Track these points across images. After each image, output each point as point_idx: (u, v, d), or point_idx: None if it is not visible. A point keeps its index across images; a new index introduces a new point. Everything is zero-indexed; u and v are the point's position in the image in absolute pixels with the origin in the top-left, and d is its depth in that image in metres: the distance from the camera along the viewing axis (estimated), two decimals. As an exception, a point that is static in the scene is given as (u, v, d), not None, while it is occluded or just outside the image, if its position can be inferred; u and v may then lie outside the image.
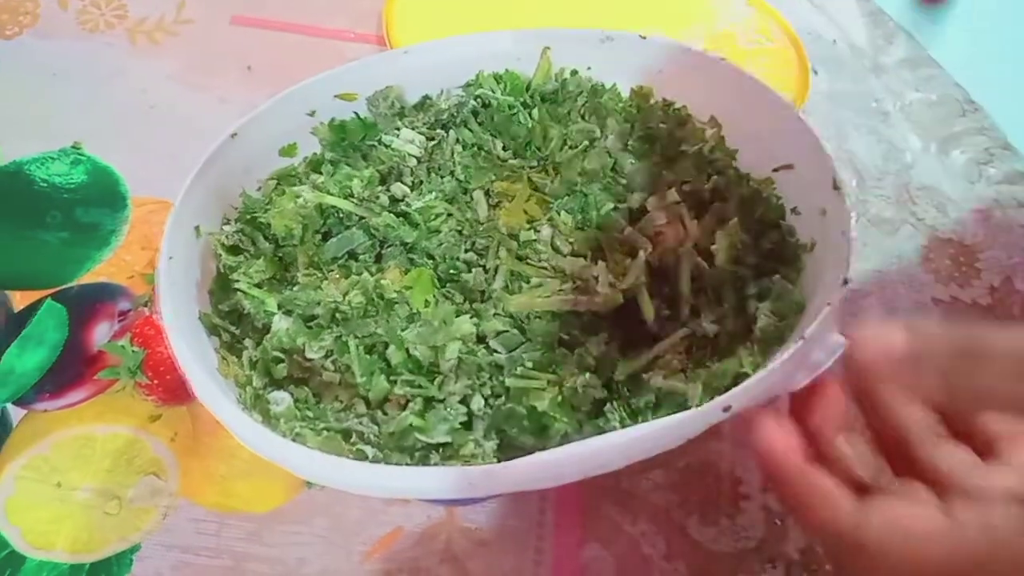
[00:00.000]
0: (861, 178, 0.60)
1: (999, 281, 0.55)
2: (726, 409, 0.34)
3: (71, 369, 0.50)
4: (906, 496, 0.31)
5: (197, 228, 0.45)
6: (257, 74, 0.65)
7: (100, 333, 0.51)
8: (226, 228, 0.46)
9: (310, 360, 0.41)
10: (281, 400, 0.40)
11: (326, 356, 0.41)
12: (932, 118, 0.64)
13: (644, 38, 0.51)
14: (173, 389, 0.48)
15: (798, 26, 0.69)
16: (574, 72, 0.52)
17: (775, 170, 0.47)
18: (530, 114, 0.50)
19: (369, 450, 0.38)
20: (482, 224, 0.46)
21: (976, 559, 0.29)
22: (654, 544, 0.44)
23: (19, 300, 0.52)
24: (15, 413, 0.48)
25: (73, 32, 0.67)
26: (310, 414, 0.39)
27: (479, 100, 0.50)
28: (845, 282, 0.38)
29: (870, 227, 0.57)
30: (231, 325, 0.43)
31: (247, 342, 0.42)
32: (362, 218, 0.45)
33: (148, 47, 0.66)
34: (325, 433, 0.38)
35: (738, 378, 0.37)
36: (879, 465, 0.36)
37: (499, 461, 0.36)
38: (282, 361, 0.41)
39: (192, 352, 0.38)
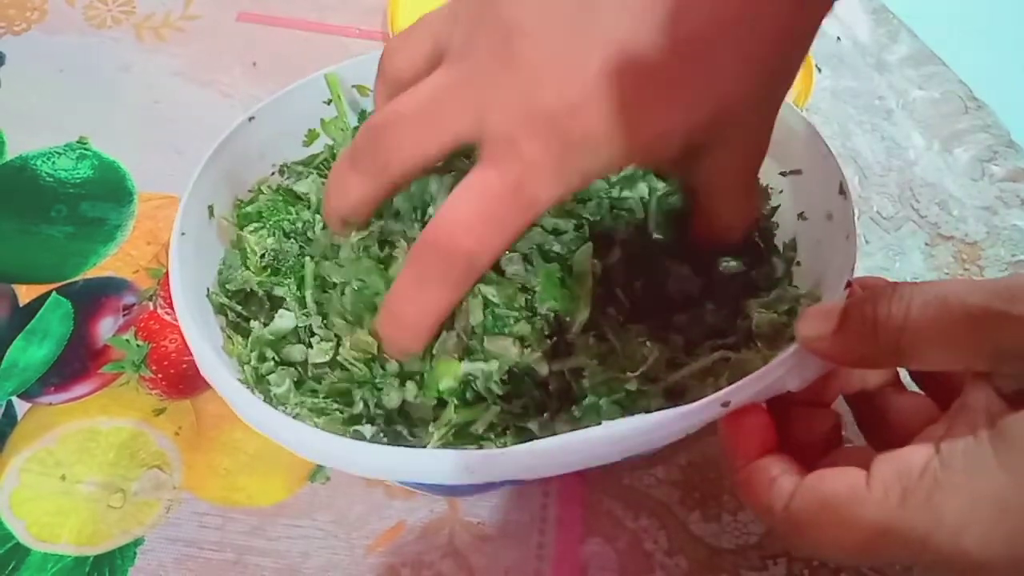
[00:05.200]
0: (864, 175, 0.60)
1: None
2: (725, 404, 0.34)
3: (76, 363, 0.50)
4: (835, 465, 0.32)
5: (210, 208, 0.45)
6: (262, 70, 0.65)
7: (105, 327, 0.51)
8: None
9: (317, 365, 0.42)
10: (282, 381, 0.40)
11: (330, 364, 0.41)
12: (935, 115, 0.64)
13: None
14: (177, 383, 0.48)
15: (802, 24, 0.69)
16: None
17: (783, 174, 0.47)
18: None
19: (367, 431, 0.38)
20: None
21: (890, 521, 0.28)
22: (656, 539, 0.45)
23: (24, 294, 0.52)
24: (20, 406, 0.48)
25: (80, 28, 0.67)
26: (309, 395, 0.40)
27: None
28: (848, 285, 0.38)
29: (872, 224, 0.57)
30: (237, 305, 0.43)
31: (253, 323, 0.43)
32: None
33: (154, 43, 0.67)
34: (325, 415, 0.38)
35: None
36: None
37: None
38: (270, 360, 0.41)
39: (198, 328, 0.39)
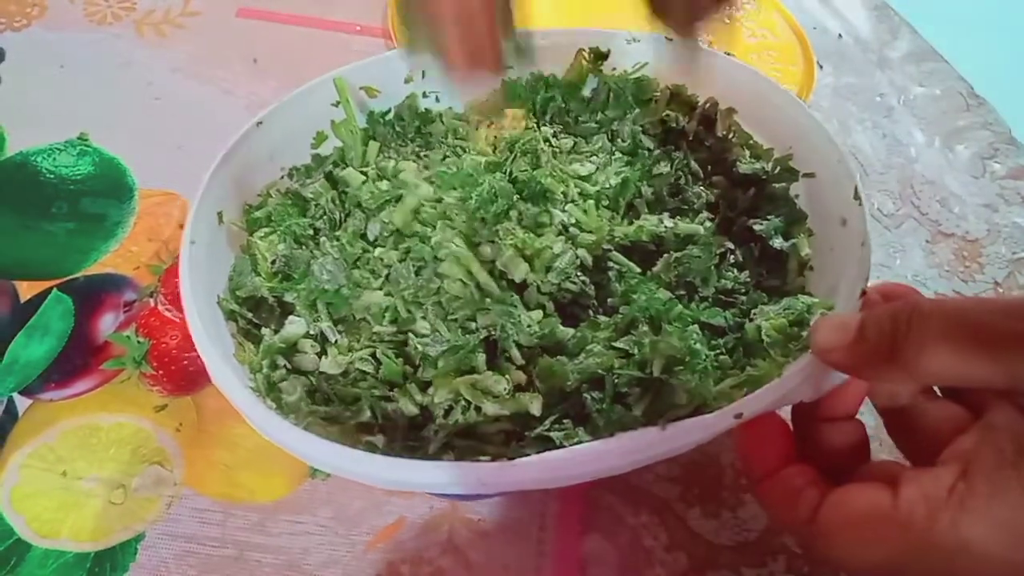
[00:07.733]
0: (865, 172, 0.60)
1: (1003, 276, 0.55)
2: (738, 416, 0.34)
3: (77, 359, 0.50)
4: (863, 480, 0.32)
5: (219, 214, 0.45)
6: (263, 66, 0.65)
7: (106, 323, 0.51)
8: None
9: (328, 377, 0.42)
10: (293, 389, 0.40)
11: (344, 375, 0.42)
12: (936, 112, 0.64)
13: (670, 40, 0.50)
14: (178, 379, 0.48)
15: (804, 21, 0.69)
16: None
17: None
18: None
19: (379, 441, 0.38)
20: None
21: (916, 542, 0.28)
22: (656, 536, 0.45)
23: (25, 290, 0.52)
24: (21, 403, 0.48)
25: (80, 24, 0.67)
26: (321, 404, 0.40)
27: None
28: (863, 293, 0.37)
29: (873, 221, 0.57)
30: (248, 311, 0.43)
31: (264, 330, 0.43)
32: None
33: (155, 39, 0.67)
34: (337, 424, 0.38)
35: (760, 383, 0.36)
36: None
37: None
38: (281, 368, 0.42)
39: (209, 336, 0.39)
